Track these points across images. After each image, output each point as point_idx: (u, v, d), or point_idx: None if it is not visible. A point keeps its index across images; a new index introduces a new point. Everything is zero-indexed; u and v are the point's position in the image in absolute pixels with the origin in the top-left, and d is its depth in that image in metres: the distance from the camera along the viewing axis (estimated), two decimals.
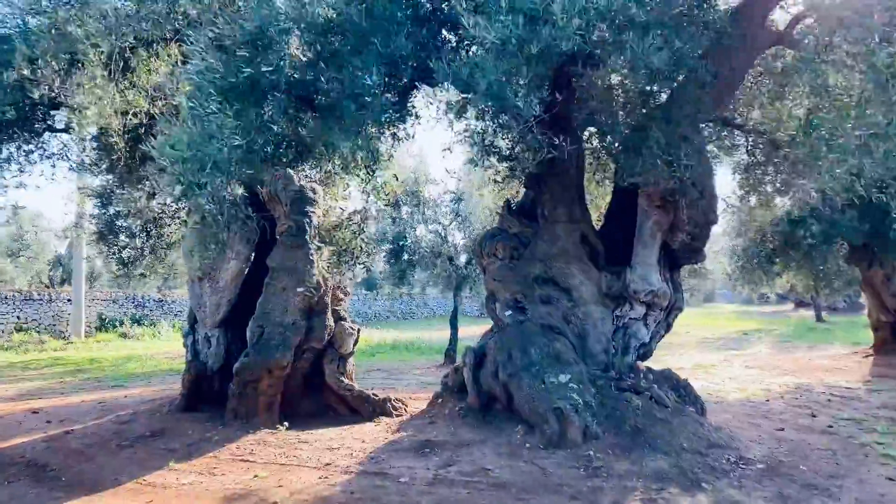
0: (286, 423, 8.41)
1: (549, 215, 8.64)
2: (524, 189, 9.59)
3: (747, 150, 10.97)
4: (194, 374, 9.17)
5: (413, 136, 7.93)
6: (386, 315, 38.61)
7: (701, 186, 8.00)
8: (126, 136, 7.01)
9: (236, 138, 5.03)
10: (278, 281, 8.83)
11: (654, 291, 8.43)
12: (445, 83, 5.96)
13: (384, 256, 19.06)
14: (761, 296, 37.14)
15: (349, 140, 5.94)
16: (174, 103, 5.77)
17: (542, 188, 8.69)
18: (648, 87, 7.18)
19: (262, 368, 8.42)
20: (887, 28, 5.44)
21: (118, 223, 9.99)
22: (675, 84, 6.99)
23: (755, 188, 11.51)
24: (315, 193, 9.34)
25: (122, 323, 26.01)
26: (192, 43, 5.23)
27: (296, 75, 5.62)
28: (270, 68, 5.18)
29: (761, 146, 10.35)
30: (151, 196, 9.45)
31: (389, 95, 6.13)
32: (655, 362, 9.33)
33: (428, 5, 6.28)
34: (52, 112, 7.57)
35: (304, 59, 5.63)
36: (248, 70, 5.07)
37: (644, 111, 7.30)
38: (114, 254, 10.14)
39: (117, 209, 9.96)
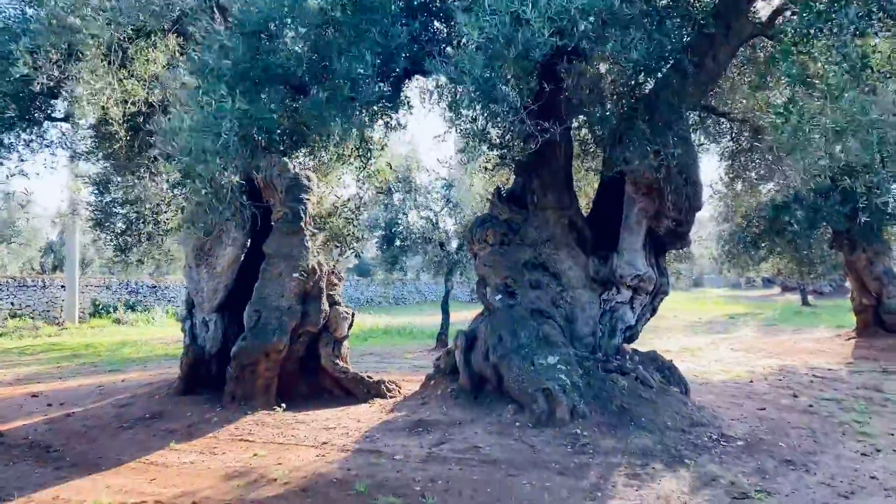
0: (283, 405, 8.62)
1: (539, 202, 8.85)
2: (514, 176, 9.77)
3: (732, 138, 11.20)
4: (192, 357, 9.36)
5: (405, 126, 8.10)
6: (378, 301, 38.81)
7: (685, 174, 8.22)
8: (125, 124, 7.16)
9: (238, 124, 5.20)
10: (274, 267, 9.01)
11: (640, 276, 8.67)
12: (437, 73, 6.14)
13: (376, 242, 19.24)
14: (749, 280, 37.57)
15: (342, 126, 6.11)
16: (177, 90, 5.89)
17: (532, 176, 8.89)
18: (633, 80, 7.38)
19: (260, 352, 8.62)
20: (861, 21, 5.65)
21: (115, 210, 10.12)
22: (659, 75, 7.19)
23: (740, 174, 11.77)
24: (309, 181, 9.50)
25: (115, 309, 26.11)
26: (201, 33, 5.39)
27: (293, 64, 5.80)
28: (274, 57, 5.36)
29: (745, 133, 10.59)
30: (153, 178, 9.56)
31: (383, 84, 6.31)
32: (643, 345, 9.58)
33: None
34: (51, 101, 7.68)
35: (300, 49, 5.82)
36: (261, 58, 5.25)
37: (630, 102, 7.50)
38: (111, 240, 10.28)
39: (114, 196, 10.09)
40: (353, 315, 10.05)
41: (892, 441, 7.29)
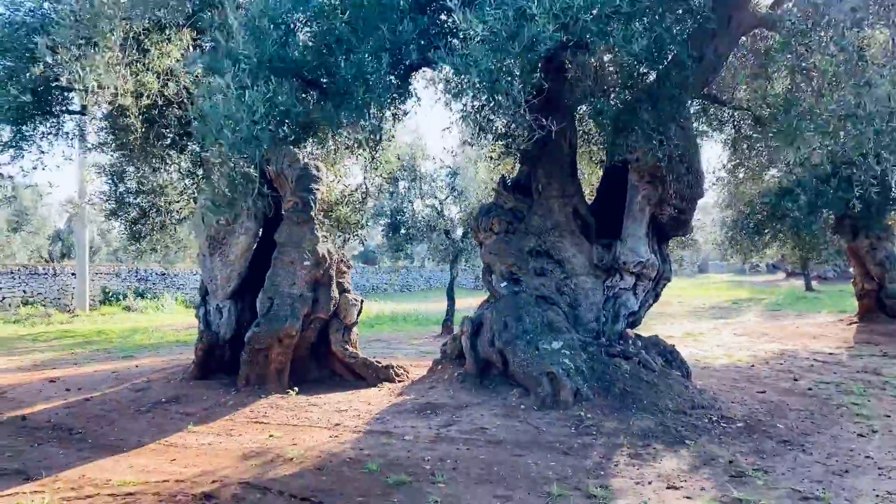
0: (296, 389, 8.85)
1: (543, 191, 9.02)
2: (519, 165, 9.92)
3: (734, 126, 11.33)
4: (207, 343, 9.58)
5: (414, 114, 8.26)
6: (384, 288, 39.05)
7: (687, 162, 8.39)
8: (140, 116, 7.34)
9: (263, 112, 5.38)
10: (286, 255, 9.22)
11: (643, 263, 8.85)
12: (444, 66, 6.31)
13: (382, 230, 19.41)
14: (753, 266, 37.65)
15: (356, 119, 6.29)
16: (205, 77, 6.03)
17: (537, 165, 9.05)
18: (635, 71, 7.53)
19: (273, 337, 8.85)
20: (858, 14, 5.80)
21: (129, 200, 10.32)
22: (661, 67, 7.34)
23: (743, 162, 11.90)
24: (318, 171, 9.68)
25: (125, 296, 26.38)
26: (222, 20, 5.56)
27: (308, 57, 5.98)
28: (285, 50, 5.54)
29: (747, 122, 10.72)
30: (167, 167, 9.73)
31: (392, 78, 6.47)
32: (647, 330, 9.76)
33: None
34: (67, 94, 7.84)
35: (314, 43, 6.00)
36: (283, 51, 5.43)
37: (633, 92, 7.66)
38: (125, 229, 10.49)
39: (128, 186, 10.30)
40: (361, 302, 10.25)
41: (888, 423, 7.46)
